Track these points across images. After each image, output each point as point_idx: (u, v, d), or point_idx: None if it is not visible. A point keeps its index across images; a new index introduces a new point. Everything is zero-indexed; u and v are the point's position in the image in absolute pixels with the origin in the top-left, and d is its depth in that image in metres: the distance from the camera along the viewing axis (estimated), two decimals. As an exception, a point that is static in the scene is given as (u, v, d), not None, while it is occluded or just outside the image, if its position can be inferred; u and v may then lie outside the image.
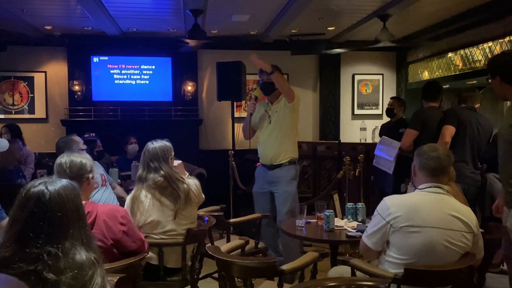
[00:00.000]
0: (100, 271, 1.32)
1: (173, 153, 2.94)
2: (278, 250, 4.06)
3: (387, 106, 5.45)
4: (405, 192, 4.17)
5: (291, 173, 3.94)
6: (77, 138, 3.52)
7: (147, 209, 2.80)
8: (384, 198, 2.32)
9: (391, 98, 5.64)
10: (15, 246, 1.27)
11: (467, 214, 2.25)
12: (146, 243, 2.46)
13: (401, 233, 2.19)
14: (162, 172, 2.82)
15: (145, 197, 2.83)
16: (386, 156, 4.23)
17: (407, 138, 3.98)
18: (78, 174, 2.29)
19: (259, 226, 3.76)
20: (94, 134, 5.19)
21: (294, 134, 4.01)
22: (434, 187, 2.28)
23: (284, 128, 3.93)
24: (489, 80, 2.87)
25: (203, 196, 3.03)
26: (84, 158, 2.37)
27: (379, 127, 6.27)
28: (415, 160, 2.37)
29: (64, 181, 1.38)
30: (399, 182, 4.56)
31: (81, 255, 1.30)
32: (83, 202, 2.19)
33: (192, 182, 2.95)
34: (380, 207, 2.30)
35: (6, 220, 2.34)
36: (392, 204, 2.25)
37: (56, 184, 1.35)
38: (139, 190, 2.86)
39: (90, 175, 2.36)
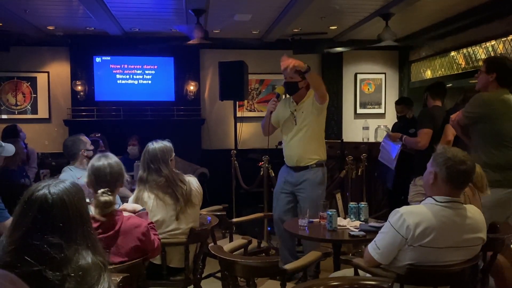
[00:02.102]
0: (107, 274, 1.31)
1: (173, 154, 2.93)
2: (295, 254, 3.80)
3: (397, 113, 5.35)
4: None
5: (318, 177, 3.70)
6: (84, 138, 3.53)
7: (152, 209, 2.80)
8: (399, 210, 2.13)
9: (398, 103, 5.46)
10: (17, 251, 1.26)
11: (482, 226, 2.18)
12: (158, 249, 2.41)
13: (418, 250, 2.08)
14: (162, 174, 2.83)
15: (148, 197, 2.83)
16: (390, 152, 4.24)
17: (426, 138, 3.92)
18: (115, 180, 2.30)
19: (262, 226, 3.75)
20: (99, 134, 5.21)
21: (322, 135, 3.80)
22: (453, 201, 2.13)
23: (311, 128, 3.70)
24: (478, 72, 3.24)
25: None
26: (115, 159, 2.39)
27: (382, 126, 6.25)
28: (438, 168, 2.15)
29: (68, 184, 1.36)
30: (399, 178, 4.54)
31: (87, 259, 1.29)
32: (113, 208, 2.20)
33: (194, 181, 2.96)
34: (394, 220, 2.12)
35: (9, 220, 2.35)
36: (409, 219, 2.07)
37: (59, 187, 1.33)
38: (141, 192, 2.86)
39: (124, 180, 2.39)
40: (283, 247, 3.79)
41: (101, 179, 2.29)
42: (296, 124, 3.73)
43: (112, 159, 2.38)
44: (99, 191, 2.20)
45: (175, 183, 2.83)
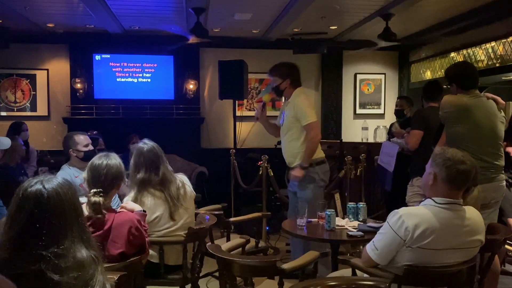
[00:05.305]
0: (101, 268, 1.32)
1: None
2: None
3: (396, 107, 5.34)
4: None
5: (304, 176, 3.60)
6: (79, 137, 3.42)
7: (150, 207, 2.80)
8: (398, 212, 2.12)
9: (400, 98, 5.46)
10: (15, 247, 1.26)
11: (480, 228, 2.18)
12: (147, 250, 2.41)
13: (416, 252, 2.08)
14: (160, 172, 2.83)
15: (145, 196, 2.83)
16: (390, 154, 4.27)
17: (415, 139, 3.91)
18: (111, 182, 2.29)
19: (261, 225, 3.75)
20: (96, 132, 5.20)
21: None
22: (453, 203, 2.12)
23: (294, 129, 3.65)
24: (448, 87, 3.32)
25: None
26: (117, 159, 2.37)
27: (382, 127, 6.24)
28: (437, 169, 2.14)
29: (60, 179, 1.37)
30: (397, 180, 4.54)
31: (82, 253, 1.29)
32: (105, 209, 2.20)
33: (185, 179, 2.99)
34: (393, 221, 2.11)
35: (7, 218, 2.34)
36: (408, 221, 2.06)
37: (53, 182, 1.34)
38: (140, 194, 2.83)
39: (122, 183, 2.38)
40: (293, 246, 3.75)
41: (96, 178, 2.29)
42: (282, 124, 3.73)
43: (113, 160, 2.36)
44: (92, 191, 2.20)
45: (168, 183, 2.84)
